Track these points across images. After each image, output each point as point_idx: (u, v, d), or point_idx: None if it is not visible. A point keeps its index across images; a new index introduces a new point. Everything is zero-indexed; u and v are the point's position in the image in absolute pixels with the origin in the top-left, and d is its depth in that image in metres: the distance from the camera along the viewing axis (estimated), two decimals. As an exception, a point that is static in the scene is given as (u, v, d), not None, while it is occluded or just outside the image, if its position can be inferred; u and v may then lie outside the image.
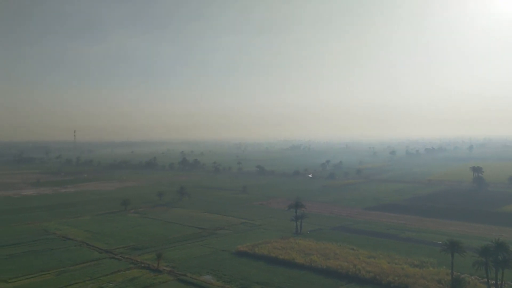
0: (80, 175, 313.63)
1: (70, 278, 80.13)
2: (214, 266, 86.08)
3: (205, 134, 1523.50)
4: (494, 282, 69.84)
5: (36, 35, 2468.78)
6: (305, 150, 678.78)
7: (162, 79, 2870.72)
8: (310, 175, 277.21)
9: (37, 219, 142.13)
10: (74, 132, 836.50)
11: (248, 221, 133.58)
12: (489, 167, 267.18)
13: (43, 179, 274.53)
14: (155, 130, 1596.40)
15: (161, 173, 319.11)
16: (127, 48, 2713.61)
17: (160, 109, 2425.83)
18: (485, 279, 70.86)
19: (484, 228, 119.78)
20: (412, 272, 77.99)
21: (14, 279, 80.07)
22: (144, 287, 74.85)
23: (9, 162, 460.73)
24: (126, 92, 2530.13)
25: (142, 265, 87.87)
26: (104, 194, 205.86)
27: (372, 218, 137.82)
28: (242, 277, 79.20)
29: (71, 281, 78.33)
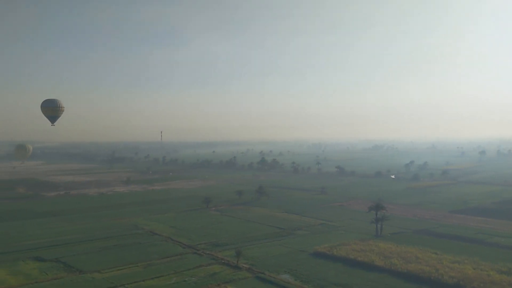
0: (166, 173, 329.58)
1: (156, 271, 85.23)
2: (292, 266, 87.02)
3: (284, 134, 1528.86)
4: None
5: (123, 43, 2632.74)
6: (388, 150, 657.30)
7: (242, 82, 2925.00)
8: (393, 176, 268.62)
9: (128, 214, 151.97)
10: (161, 133, 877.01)
11: (326, 222, 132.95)
12: None
13: (133, 177, 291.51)
14: (236, 131, 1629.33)
15: (240, 173, 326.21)
16: (209, 52, 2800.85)
17: (241, 110, 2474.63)
18: None
19: None
20: (499, 279, 73.55)
21: (107, 270, 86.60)
22: (224, 282, 77.57)
23: (103, 161, 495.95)
24: (208, 94, 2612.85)
25: (222, 261, 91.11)
26: (187, 192, 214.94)
27: (457, 221, 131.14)
28: (319, 278, 79.36)
29: (157, 274, 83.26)
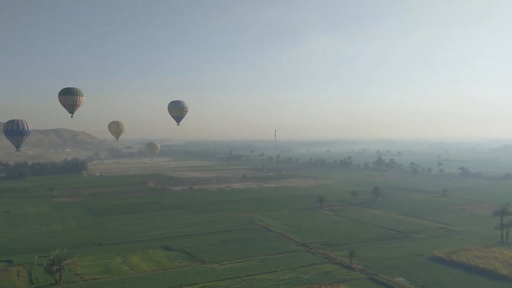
0: (280, 172, 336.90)
1: (271, 265, 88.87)
2: (407, 269, 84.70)
3: (403, 133, 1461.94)
4: None
5: (241, 44, 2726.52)
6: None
7: (355, 78, 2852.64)
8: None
9: (244, 210, 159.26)
10: (275, 131, 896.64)
11: (446, 226, 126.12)
12: None
13: (249, 175, 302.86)
14: (351, 129, 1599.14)
15: (355, 173, 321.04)
16: (319, 49, 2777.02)
17: (356, 107, 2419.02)
18: None
19: None
20: None
21: (225, 261, 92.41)
22: (337, 282, 78.31)
23: (222, 158, 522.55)
24: (319, 92, 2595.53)
25: (335, 261, 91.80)
26: (301, 190, 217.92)
27: None
28: (436, 283, 76.38)
29: (272, 268, 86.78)
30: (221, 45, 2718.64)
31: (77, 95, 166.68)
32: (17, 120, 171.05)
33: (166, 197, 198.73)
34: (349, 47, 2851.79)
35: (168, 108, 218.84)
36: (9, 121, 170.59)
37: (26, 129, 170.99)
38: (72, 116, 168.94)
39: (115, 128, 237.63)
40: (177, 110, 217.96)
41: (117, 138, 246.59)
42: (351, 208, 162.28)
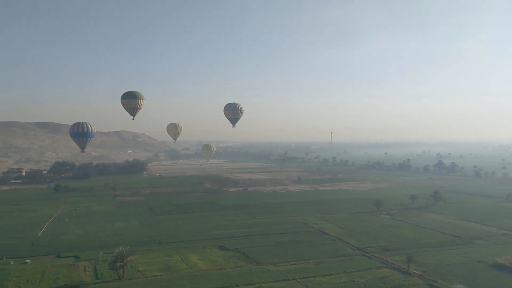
0: (335, 174, 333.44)
1: (326, 268, 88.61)
2: (468, 276, 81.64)
3: (465, 134, 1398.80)
4: None
5: (294, 45, 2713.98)
6: None
7: (415, 79, 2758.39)
8: None
9: (299, 212, 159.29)
10: (331, 133, 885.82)
11: (510, 233, 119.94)
12: None
13: (304, 177, 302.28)
14: (409, 131, 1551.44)
15: (414, 176, 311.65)
16: (383, 51, 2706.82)
17: (415, 108, 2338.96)
18: None
19: None
20: None
21: (281, 263, 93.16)
22: (394, 287, 77.00)
23: (276, 160, 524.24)
24: (374, 93, 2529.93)
25: (392, 265, 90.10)
26: (357, 194, 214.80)
27: None
28: (500, 292, 73.32)
29: (327, 271, 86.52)
30: (277, 46, 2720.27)
31: (138, 99, 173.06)
32: (82, 122, 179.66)
33: (222, 198, 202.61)
34: (410, 46, 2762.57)
35: (224, 110, 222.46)
36: (74, 124, 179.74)
37: (91, 131, 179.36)
38: (133, 119, 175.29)
39: (173, 130, 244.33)
40: (233, 112, 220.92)
41: (175, 139, 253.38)
42: (410, 212, 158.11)
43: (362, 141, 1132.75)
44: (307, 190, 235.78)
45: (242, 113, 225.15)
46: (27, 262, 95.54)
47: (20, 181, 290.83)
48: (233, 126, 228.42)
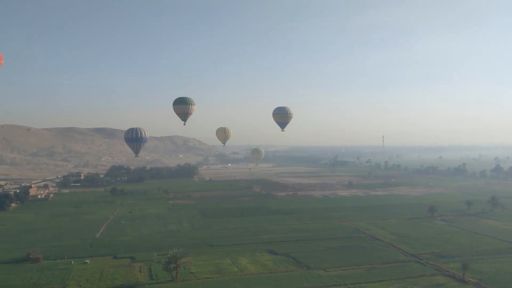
0: (388, 179, 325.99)
1: (378, 275, 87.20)
2: (529, 287, 78.07)
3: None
4: None
5: (344, 47, 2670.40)
6: None
7: (471, 80, 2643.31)
8: None
9: (350, 218, 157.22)
10: (383, 137, 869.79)
11: None
12: None
13: (355, 182, 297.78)
14: (465, 134, 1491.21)
15: (470, 181, 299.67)
16: (435, 52, 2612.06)
17: (470, 111, 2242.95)
18: None
19: None
20: None
21: (331, 269, 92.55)
22: (449, 296, 74.88)
23: (326, 164, 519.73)
24: (426, 94, 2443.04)
25: (447, 273, 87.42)
26: (410, 199, 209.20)
27: None
28: None
29: (379, 278, 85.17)
30: (324, 48, 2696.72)
31: (189, 104, 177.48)
32: (136, 128, 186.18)
33: (271, 202, 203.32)
34: (464, 46, 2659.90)
35: (273, 114, 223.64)
36: (129, 129, 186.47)
37: (144, 136, 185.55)
38: (184, 124, 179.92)
39: (222, 134, 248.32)
40: (282, 116, 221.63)
41: (224, 143, 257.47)
42: (465, 218, 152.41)
43: (415, 145, 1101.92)
44: (358, 195, 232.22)
45: (291, 117, 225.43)
46: (86, 262, 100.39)
47: (79, 184, 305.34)
48: (282, 130, 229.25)
